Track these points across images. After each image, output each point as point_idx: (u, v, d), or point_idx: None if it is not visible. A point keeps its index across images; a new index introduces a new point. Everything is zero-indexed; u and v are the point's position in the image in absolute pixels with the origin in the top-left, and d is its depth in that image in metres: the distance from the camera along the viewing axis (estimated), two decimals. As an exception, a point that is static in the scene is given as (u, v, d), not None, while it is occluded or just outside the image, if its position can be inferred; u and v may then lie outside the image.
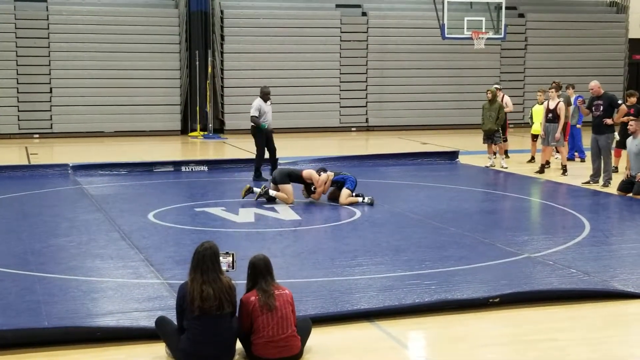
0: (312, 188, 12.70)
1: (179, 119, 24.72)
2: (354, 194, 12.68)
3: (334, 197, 12.82)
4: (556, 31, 27.56)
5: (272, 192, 12.63)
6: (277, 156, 15.56)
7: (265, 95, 15.22)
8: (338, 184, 12.77)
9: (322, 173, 12.69)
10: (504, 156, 17.20)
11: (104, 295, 7.70)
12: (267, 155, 15.43)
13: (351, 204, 12.57)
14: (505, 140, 18.01)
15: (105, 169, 16.30)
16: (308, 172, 12.76)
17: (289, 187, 12.64)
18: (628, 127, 13.92)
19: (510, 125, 25.58)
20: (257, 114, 15.07)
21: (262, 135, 15.22)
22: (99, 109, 24.00)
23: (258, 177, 15.18)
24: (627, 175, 13.67)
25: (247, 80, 24.92)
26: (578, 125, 17.72)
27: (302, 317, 6.33)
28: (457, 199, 13.40)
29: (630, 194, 13.32)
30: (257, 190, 12.72)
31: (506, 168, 16.78)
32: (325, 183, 12.68)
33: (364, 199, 12.60)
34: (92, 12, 24.04)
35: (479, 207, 13.06)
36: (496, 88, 18.08)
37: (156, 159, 17.55)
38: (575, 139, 17.95)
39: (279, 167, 14.06)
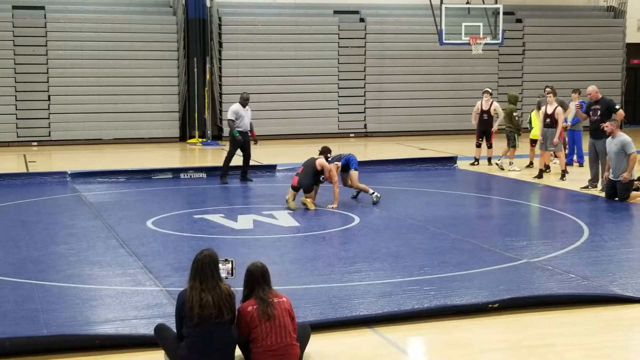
0: (322, 177, 13.00)
1: (177, 126, 24.71)
2: None
3: (345, 182, 13.48)
4: (554, 36, 27.60)
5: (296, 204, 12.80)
6: (275, 162, 15.68)
7: (244, 101, 15.51)
8: (343, 167, 13.31)
9: (330, 162, 13.11)
10: (512, 161, 17.50)
11: (103, 303, 7.70)
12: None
13: (362, 190, 13.31)
14: (491, 147, 18.32)
15: (103, 176, 16.28)
16: (320, 162, 13.00)
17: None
18: (604, 128, 13.65)
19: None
20: (233, 118, 15.40)
21: (237, 141, 15.49)
22: (97, 117, 23.99)
23: (223, 178, 15.66)
24: (606, 177, 13.63)
25: (245, 87, 24.71)
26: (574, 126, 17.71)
27: (301, 324, 6.32)
28: (456, 205, 13.41)
29: (617, 199, 13.30)
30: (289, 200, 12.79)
31: (516, 170, 17.04)
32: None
33: (373, 192, 13.20)
34: (90, 20, 24.05)
35: (478, 212, 13.07)
36: (488, 92, 18.22)
37: (155, 166, 17.55)
38: (576, 144, 17.96)
39: (301, 175, 13.01)
